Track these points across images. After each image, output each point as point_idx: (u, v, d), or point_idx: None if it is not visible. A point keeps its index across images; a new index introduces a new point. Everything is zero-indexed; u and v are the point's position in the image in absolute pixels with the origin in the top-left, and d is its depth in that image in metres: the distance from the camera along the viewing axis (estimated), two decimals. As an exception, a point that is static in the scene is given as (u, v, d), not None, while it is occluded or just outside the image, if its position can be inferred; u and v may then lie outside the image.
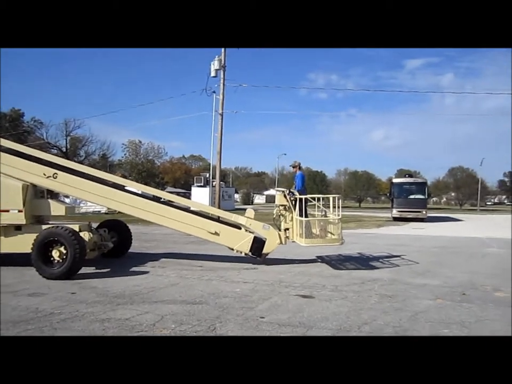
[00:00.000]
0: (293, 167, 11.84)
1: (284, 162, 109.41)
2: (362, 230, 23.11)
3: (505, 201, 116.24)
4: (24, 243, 8.96)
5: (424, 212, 31.17)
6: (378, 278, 8.95)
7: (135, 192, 10.54)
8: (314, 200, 10.70)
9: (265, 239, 10.37)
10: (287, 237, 10.69)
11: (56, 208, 9.82)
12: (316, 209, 11.03)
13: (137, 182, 28.19)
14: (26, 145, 12.20)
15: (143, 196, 10.50)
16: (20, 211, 9.26)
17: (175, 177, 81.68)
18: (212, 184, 46.03)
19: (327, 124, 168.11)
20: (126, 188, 10.75)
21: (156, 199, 10.75)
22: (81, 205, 34.62)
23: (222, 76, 25.48)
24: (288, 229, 10.73)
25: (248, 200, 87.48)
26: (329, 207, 10.70)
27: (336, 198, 10.35)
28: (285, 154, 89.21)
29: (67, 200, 30.22)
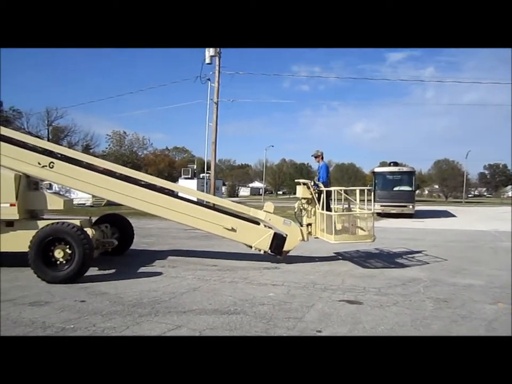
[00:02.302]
0: (315, 157, 10.74)
1: (269, 155, 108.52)
2: (363, 223, 22.37)
3: (485, 194, 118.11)
4: (16, 241, 7.85)
5: (411, 207, 26.78)
6: (416, 278, 8.12)
7: (143, 184, 9.40)
8: (342, 192, 9.75)
9: (286, 235, 9.43)
10: (309, 233, 9.78)
11: (53, 202, 8.64)
12: (335, 202, 10.09)
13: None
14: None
15: (151, 188, 9.37)
16: (12, 205, 8.08)
17: (158, 169, 79.45)
18: (200, 176, 45.02)
19: (309, 116, 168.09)
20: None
21: (166, 192, 9.63)
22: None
23: (217, 63, 24.28)
24: (310, 224, 9.80)
25: (233, 193, 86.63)
26: (355, 199, 9.84)
27: (366, 190, 9.46)
28: (272, 146, 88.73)
29: (49, 191, 28.72)
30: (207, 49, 23.79)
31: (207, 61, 24.14)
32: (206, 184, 38.42)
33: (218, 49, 24.01)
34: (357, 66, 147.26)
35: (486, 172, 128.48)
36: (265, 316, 5.55)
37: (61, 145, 48.99)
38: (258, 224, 9.60)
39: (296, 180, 10.54)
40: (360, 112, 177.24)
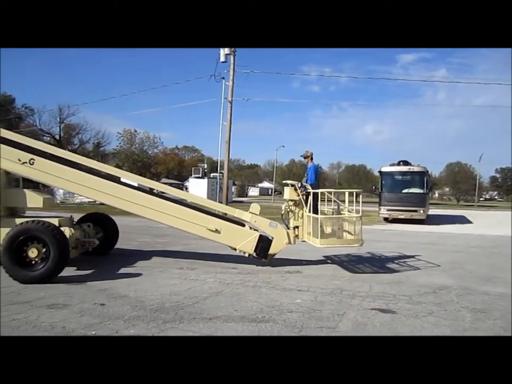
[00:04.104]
0: (305, 158, 10.41)
1: (279, 155, 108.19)
2: (378, 226, 22.01)
3: (496, 198, 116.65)
4: None
5: (422, 211, 23.53)
6: (446, 285, 7.77)
7: (125, 184, 9.13)
8: (330, 194, 9.29)
9: (272, 238, 9.08)
10: (296, 236, 9.43)
11: (33, 200, 8.46)
12: (326, 205, 9.67)
13: (131, 172, 24.85)
14: (13, 131, 10.52)
15: (133, 187, 9.14)
16: None
17: (168, 168, 79.90)
18: (210, 175, 44.82)
19: (319, 117, 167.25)
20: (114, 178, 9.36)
21: (149, 191, 9.39)
22: (67, 195, 32.41)
23: (232, 61, 24.00)
24: (297, 227, 9.46)
25: (242, 193, 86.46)
26: (344, 202, 9.41)
27: (355, 193, 9.00)
28: (283, 146, 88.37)
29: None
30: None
31: (222, 59, 23.90)
32: (217, 183, 38.04)
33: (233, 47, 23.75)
34: (368, 67, 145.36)
35: (498, 175, 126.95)
36: (295, 324, 5.25)
37: (72, 142, 49.20)
38: (244, 226, 9.28)
39: (283, 181, 10.20)
40: (371, 113, 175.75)
